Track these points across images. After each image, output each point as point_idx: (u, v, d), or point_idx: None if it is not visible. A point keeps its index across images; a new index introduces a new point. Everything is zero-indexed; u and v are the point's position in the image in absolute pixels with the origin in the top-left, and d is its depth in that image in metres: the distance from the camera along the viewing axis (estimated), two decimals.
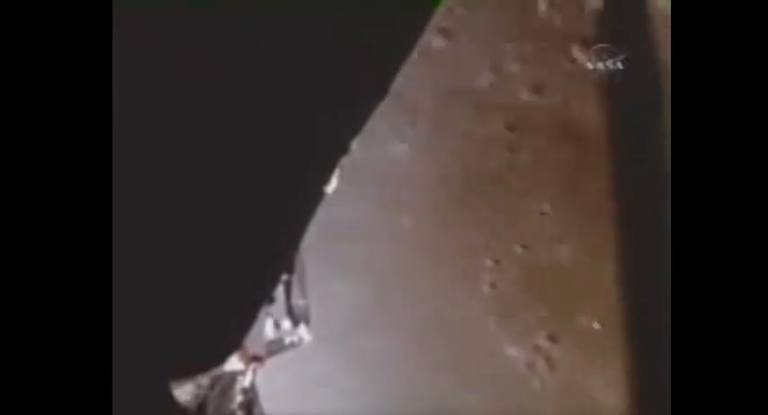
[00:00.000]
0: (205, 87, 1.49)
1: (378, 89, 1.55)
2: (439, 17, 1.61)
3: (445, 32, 1.61)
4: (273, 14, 1.53)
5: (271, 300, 1.46)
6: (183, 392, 1.38)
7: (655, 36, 1.58)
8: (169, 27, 1.48)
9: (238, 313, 1.44)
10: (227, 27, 1.51)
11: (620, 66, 1.56)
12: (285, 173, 1.49)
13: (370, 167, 1.57)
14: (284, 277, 1.47)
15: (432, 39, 1.61)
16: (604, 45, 1.57)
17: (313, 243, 1.51)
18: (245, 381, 1.42)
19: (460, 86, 1.60)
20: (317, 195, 1.51)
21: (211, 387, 1.40)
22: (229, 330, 1.42)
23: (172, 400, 1.37)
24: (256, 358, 1.43)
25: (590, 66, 1.57)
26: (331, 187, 1.52)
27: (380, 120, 1.58)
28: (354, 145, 1.55)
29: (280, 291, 1.47)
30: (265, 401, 1.44)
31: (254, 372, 1.43)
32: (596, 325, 1.49)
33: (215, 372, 1.40)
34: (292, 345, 1.46)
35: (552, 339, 1.49)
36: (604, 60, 1.56)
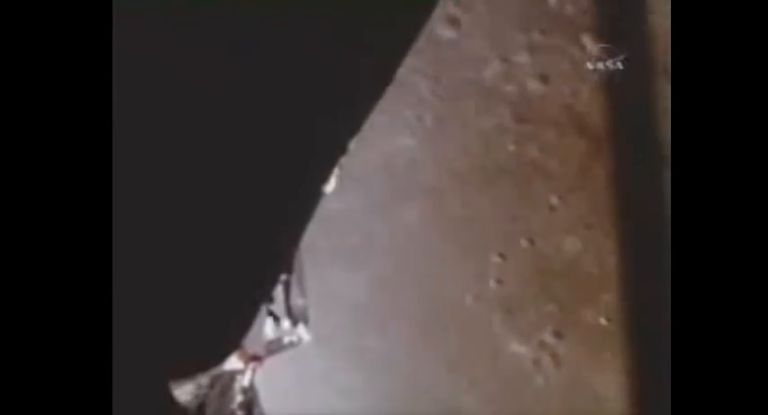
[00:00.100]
0: (205, 87, 1.49)
1: (378, 89, 1.55)
2: (446, 6, 1.58)
3: (453, 21, 1.57)
4: (273, 14, 1.53)
5: (270, 300, 1.46)
6: (183, 392, 1.38)
7: (655, 36, 1.57)
8: (169, 27, 1.48)
9: (238, 313, 1.44)
10: (227, 27, 1.51)
11: (620, 66, 1.56)
12: (285, 173, 1.49)
13: (374, 161, 1.54)
14: (284, 276, 1.47)
15: (439, 29, 1.57)
16: (604, 45, 1.57)
17: (314, 239, 1.50)
18: (245, 380, 1.42)
19: (467, 77, 1.57)
20: (316, 195, 1.51)
21: (211, 387, 1.40)
22: (229, 329, 1.42)
23: (172, 400, 1.37)
24: (256, 358, 1.43)
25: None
26: (330, 187, 1.52)
27: (384, 112, 1.54)
28: (359, 137, 1.52)
29: (279, 291, 1.47)
30: (265, 402, 1.44)
31: (254, 371, 1.43)
32: (603, 321, 1.47)
33: (215, 371, 1.40)
34: (291, 344, 1.46)
35: (558, 335, 1.47)
36: (604, 60, 1.56)
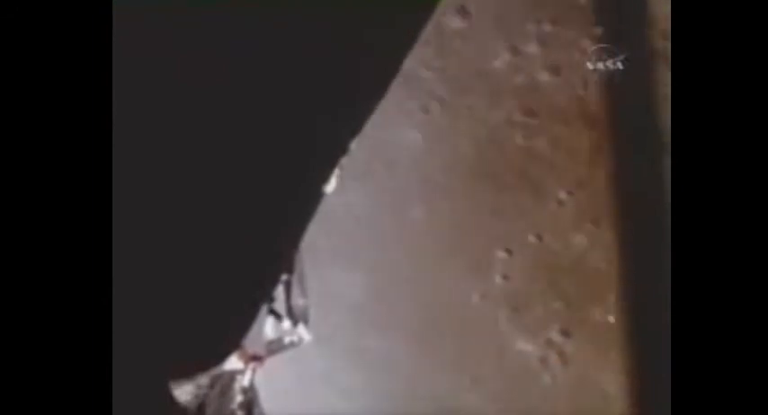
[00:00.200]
0: (205, 87, 1.49)
1: (378, 89, 1.55)
2: None
3: (462, 11, 1.53)
4: (273, 14, 1.52)
5: (271, 300, 1.46)
6: (183, 392, 1.38)
7: (655, 36, 1.57)
8: (169, 27, 1.48)
9: (238, 313, 1.44)
10: (227, 27, 1.51)
11: (620, 66, 1.55)
12: (285, 173, 1.49)
13: (380, 154, 1.51)
14: (284, 277, 1.47)
15: (447, 19, 1.53)
16: (604, 45, 1.57)
17: (315, 238, 1.47)
18: (245, 380, 1.42)
19: (476, 69, 1.52)
20: (316, 195, 1.51)
21: (211, 387, 1.40)
22: (229, 329, 1.42)
23: (172, 400, 1.37)
24: (256, 358, 1.43)
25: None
26: (330, 187, 1.52)
27: (389, 106, 1.50)
28: (362, 132, 1.49)
29: (280, 291, 1.47)
30: (265, 402, 1.44)
31: (254, 371, 1.43)
32: (611, 319, 1.44)
33: (215, 371, 1.40)
34: (292, 344, 1.46)
35: (565, 333, 1.45)
36: (604, 60, 1.56)
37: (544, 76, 1.52)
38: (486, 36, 1.54)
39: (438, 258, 1.49)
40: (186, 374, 1.38)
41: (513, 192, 1.49)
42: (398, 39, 1.57)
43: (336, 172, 1.52)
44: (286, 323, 1.46)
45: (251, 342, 1.43)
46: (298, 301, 1.47)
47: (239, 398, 1.42)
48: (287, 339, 1.46)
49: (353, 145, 1.53)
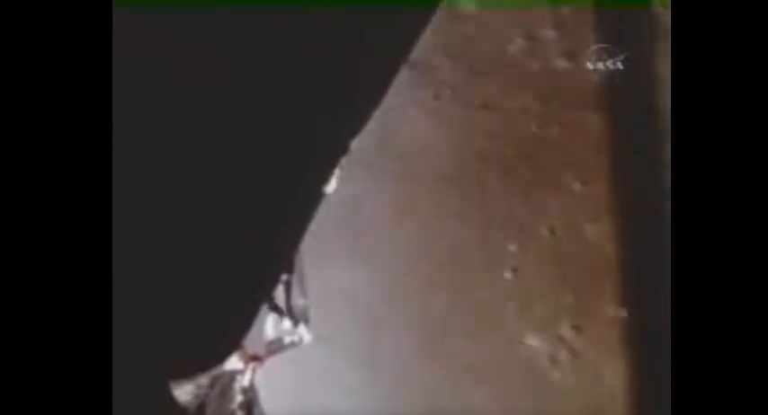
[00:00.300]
0: (205, 87, 1.49)
1: (378, 89, 1.55)
2: None
3: None
4: (273, 14, 1.52)
5: (271, 300, 1.46)
6: (183, 392, 1.38)
7: (655, 36, 1.57)
8: (169, 27, 1.48)
9: (238, 313, 1.44)
10: (227, 27, 1.51)
11: (620, 66, 1.55)
12: (285, 173, 1.49)
13: (388, 145, 1.47)
14: (284, 277, 1.47)
15: (460, 2, 1.49)
16: (604, 45, 1.57)
17: (319, 233, 1.44)
18: (245, 380, 1.42)
19: (490, 55, 1.48)
20: (316, 195, 1.51)
21: (211, 387, 1.40)
22: (229, 329, 1.42)
23: (172, 400, 1.37)
24: (256, 358, 1.43)
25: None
26: (331, 187, 1.51)
27: (399, 94, 1.45)
28: (370, 121, 1.44)
29: (280, 291, 1.47)
30: (265, 402, 1.44)
31: (254, 371, 1.43)
32: (623, 313, 1.40)
33: (215, 371, 1.40)
34: (292, 344, 1.46)
35: (576, 328, 1.40)
36: (604, 60, 1.56)
37: (560, 63, 1.47)
38: (501, 20, 1.49)
39: (446, 252, 1.45)
40: (186, 374, 1.38)
41: (525, 183, 1.45)
42: (398, 39, 1.57)
43: (336, 171, 1.51)
44: (286, 323, 1.46)
45: (251, 342, 1.43)
46: (298, 301, 1.47)
47: (239, 398, 1.42)
48: (287, 339, 1.46)
49: (353, 144, 1.53)
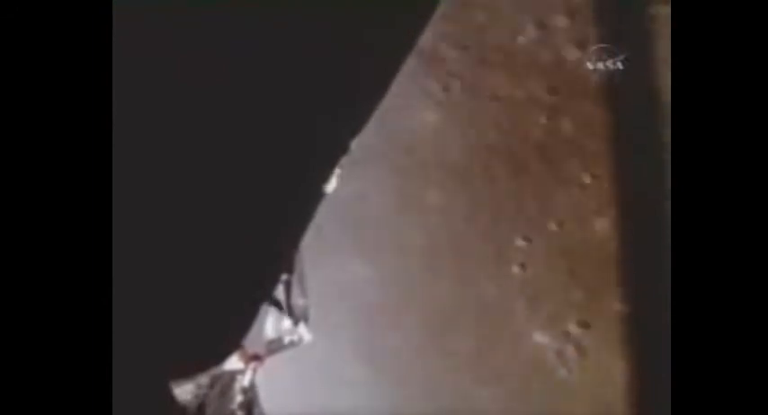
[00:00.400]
0: (205, 87, 1.49)
1: (378, 89, 1.55)
2: None
3: None
4: (273, 14, 1.52)
5: (271, 300, 1.46)
6: (183, 392, 1.38)
7: (655, 36, 1.57)
8: (169, 27, 1.48)
9: (238, 313, 1.44)
10: (227, 27, 1.51)
11: (620, 66, 1.55)
12: (285, 173, 1.49)
13: (395, 137, 1.44)
14: (284, 276, 1.47)
15: None
16: (604, 45, 1.57)
17: (325, 226, 1.41)
18: (245, 380, 1.42)
19: (500, 44, 1.44)
20: (316, 195, 1.51)
21: (211, 386, 1.40)
22: (229, 329, 1.42)
23: (172, 400, 1.37)
24: (256, 358, 1.43)
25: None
26: (331, 187, 1.51)
27: (406, 84, 1.42)
28: (377, 112, 1.41)
29: (280, 291, 1.47)
30: (265, 402, 1.44)
31: (254, 371, 1.43)
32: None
33: (215, 371, 1.40)
34: (292, 344, 1.46)
35: (584, 324, 1.37)
36: (604, 60, 1.56)
37: (573, 52, 1.44)
38: (512, 8, 1.44)
39: (453, 246, 1.42)
40: (186, 373, 1.38)
41: (534, 176, 1.41)
42: (398, 39, 1.57)
43: (336, 171, 1.51)
44: (286, 323, 1.46)
45: (251, 342, 1.43)
46: (298, 301, 1.47)
47: (239, 398, 1.42)
48: (287, 339, 1.46)
49: (353, 144, 1.53)
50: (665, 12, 1.57)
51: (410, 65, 1.43)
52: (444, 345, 1.41)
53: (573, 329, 1.39)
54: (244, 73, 1.51)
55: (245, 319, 1.43)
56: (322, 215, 1.42)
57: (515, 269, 1.41)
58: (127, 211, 1.23)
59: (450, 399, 1.40)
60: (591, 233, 1.41)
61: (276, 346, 1.45)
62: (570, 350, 1.38)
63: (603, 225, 1.41)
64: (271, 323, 1.46)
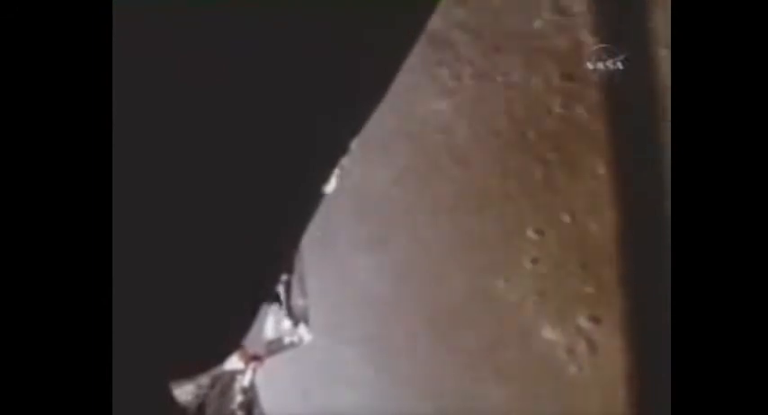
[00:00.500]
0: (205, 87, 1.49)
1: (378, 89, 1.55)
2: None
3: None
4: (273, 14, 1.52)
5: (271, 300, 1.46)
6: (183, 392, 1.38)
7: (655, 36, 1.57)
8: (169, 27, 1.48)
9: (238, 313, 1.44)
10: (227, 27, 1.51)
11: (620, 66, 1.55)
12: (285, 174, 1.49)
13: (405, 126, 1.40)
14: (284, 277, 1.47)
15: None
16: (604, 45, 1.56)
17: (331, 219, 1.38)
18: (245, 380, 1.42)
19: (513, 29, 1.39)
20: (316, 195, 1.51)
21: (211, 387, 1.40)
22: (229, 329, 1.42)
23: (172, 400, 1.37)
24: (256, 358, 1.43)
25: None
26: (331, 187, 1.51)
27: (415, 71, 1.37)
28: (385, 101, 1.35)
29: (280, 291, 1.47)
30: (265, 402, 1.44)
31: (254, 371, 1.43)
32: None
33: (215, 371, 1.40)
34: (292, 345, 1.46)
35: (595, 319, 1.33)
36: (604, 60, 1.56)
37: (589, 37, 1.39)
38: None
39: (462, 239, 1.38)
40: (187, 374, 1.38)
41: (547, 166, 1.37)
42: (398, 39, 1.57)
43: (336, 171, 1.51)
44: (286, 323, 1.46)
45: (251, 342, 1.43)
46: (298, 301, 1.47)
47: (239, 398, 1.42)
48: (287, 340, 1.46)
49: (353, 144, 1.52)
50: (664, 12, 1.57)
51: (420, 51, 1.39)
52: (451, 341, 1.38)
53: (584, 324, 1.35)
54: (244, 73, 1.51)
55: (245, 319, 1.43)
56: (329, 206, 1.39)
57: (527, 263, 1.37)
58: (127, 211, 1.23)
59: (455, 398, 1.37)
60: (605, 225, 1.37)
61: (276, 346, 1.45)
62: (581, 346, 1.34)
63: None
64: (271, 324, 1.46)
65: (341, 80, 1.53)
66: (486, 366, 1.35)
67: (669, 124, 1.51)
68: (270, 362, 1.44)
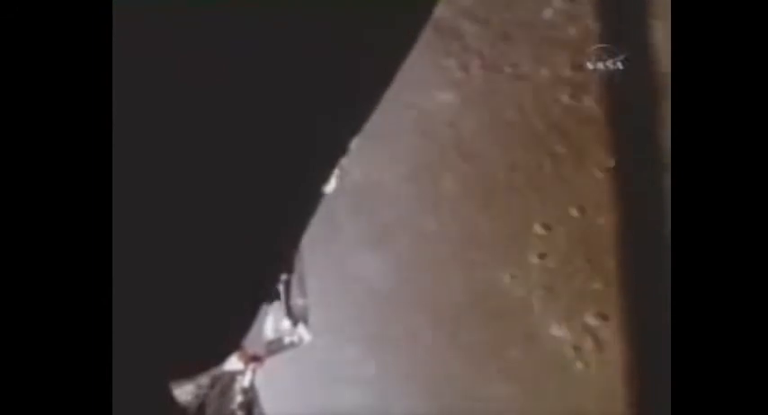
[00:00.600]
0: (205, 87, 1.49)
1: (378, 89, 1.55)
2: None
3: None
4: (273, 14, 1.52)
5: (270, 300, 1.46)
6: (183, 392, 1.38)
7: (655, 36, 1.56)
8: (169, 27, 1.48)
9: (238, 313, 1.44)
10: (227, 27, 1.51)
11: (620, 66, 1.55)
12: (285, 173, 1.49)
13: (411, 119, 1.37)
14: (284, 276, 1.47)
15: None
16: (604, 45, 1.56)
17: (337, 214, 1.35)
18: (245, 381, 1.42)
19: (522, 19, 1.36)
20: (316, 195, 1.51)
21: (211, 387, 1.40)
22: (229, 329, 1.42)
23: (172, 400, 1.37)
24: (256, 358, 1.43)
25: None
26: (330, 187, 1.51)
27: (421, 63, 1.34)
28: (390, 93, 1.32)
29: (279, 291, 1.47)
30: (265, 402, 1.44)
31: (254, 372, 1.43)
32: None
33: (215, 372, 1.40)
34: (292, 345, 1.46)
35: (602, 316, 1.30)
36: (604, 60, 1.56)
37: (599, 26, 1.36)
38: None
39: (468, 234, 1.36)
40: (186, 374, 1.38)
41: (555, 159, 1.34)
42: (398, 39, 1.56)
43: (336, 172, 1.51)
44: (286, 323, 1.46)
45: (251, 342, 1.43)
46: (297, 301, 1.47)
47: (239, 398, 1.42)
48: (287, 340, 1.46)
49: (353, 144, 1.52)
50: (665, 11, 1.57)
51: (427, 41, 1.35)
52: (455, 339, 1.36)
53: (591, 320, 1.32)
54: (244, 73, 1.51)
55: (245, 319, 1.43)
56: (333, 200, 1.36)
57: (534, 259, 1.34)
58: (127, 211, 1.23)
59: (459, 398, 1.35)
60: (614, 220, 1.34)
61: (276, 346, 1.45)
62: (588, 343, 1.31)
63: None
64: (270, 324, 1.46)
65: (341, 80, 1.53)
66: (492, 364, 1.32)
67: (669, 124, 1.51)
68: (270, 362, 1.44)
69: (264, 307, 1.45)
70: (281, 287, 1.46)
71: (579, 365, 1.31)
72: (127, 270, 1.19)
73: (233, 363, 1.41)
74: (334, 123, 1.52)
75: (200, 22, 1.50)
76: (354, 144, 1.52)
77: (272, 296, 1.46)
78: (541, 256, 1.34)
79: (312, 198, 1.50)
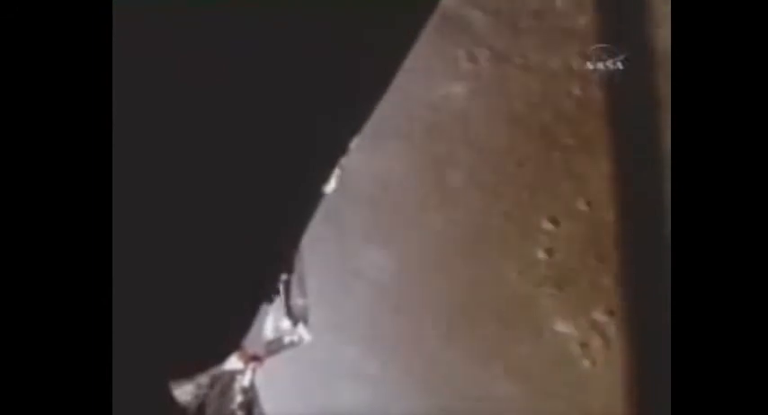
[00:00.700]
0: (205, 87, 1.49)
1: (378, 89, 1.55)
2: None
3: None
4: (273, 14, 1.52)
5: (270, 300, 1.46)
6: (183, 392, 1.38)
7: (655, 36, 1.56)
8: (169, 27, 1.48)
9: (238, 313, 1.44)
10: (227, 27, 1.51)
11: (620, 66, 1.55)
12: (285, 173, 1.49)
13: (418, 112, 1.33)
14: (284, 276, 1.47)
15: None
16: (604, 45, 1.56)
17: (341, 209, 1.32)
18: (245, 380, 1.42)
19: (532, 9, 1.33)
20: (316, 195, 1.51)
21: (211, 387, 1.40)
22: (229, 329, 1.42)
23: (172, 400, 1.37)
24: (256, 358, 1.43)
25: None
26: (330, 187, 1.51)
27: (429, 54, 1.30)
28: (395, 86, 1.29)
29: (279, 291, 1.47)
30: (265, 402, 1.44)
31: (254, 371, 1.43)
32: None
33: (215, 371, 1.40)
34: (292, 344, 1.46)
35: (610, 313, 1.28)
36: (604, 60, 1.56)
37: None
38: None
39: (474, 229, 1.33)
40: (186, 374, 1.38)
41: (563, 152, 1.31)
42: (398, 39, 1.56)
43: (336, 171, 1.51)
44: (286, 323, 1.46)
45: (251, 342, 1.43)
46: (297, 301, 1.47)
47: (239, 398, 1.42)
48: (286, 340, 1.46)
49: (353, 144, 1.52)
50: (665, 11, 1.57)
51: (434, 31, 1.32)
52: (459, 336, 1.33)
53: (599, 317, 1.30)
54: (244, 73, 1.51)
55: (245, 319, 1.43)
56: (337, 195, 1.34)
57: (541, 254, 1.32)
58: (127, 211, 1.23)
59: (462, 397, 1.33)
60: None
61: (276, 346, 1.45)
62: (595, 340, 1.29)
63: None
64: (270, 324, 1.46)
65: (341, 80, 1.53)
66: (497, 362, 1.30)
67: (669, 124, 1.51)
68: (270, 362, 1.44)
69: (264, 307, 1.45)
70: (281, 287, 1.46)
71: (586, 362, 1.30)
72: (127, 270, 1.19)
73: (233, 363, 1.41)
74: (334, 123, 1.52)
75: (200, 22, 1.50)
76: (355, 142, 1.52)
77: (272, 296, 1.46)
78: (549, 251, 1.32)
79: (312, 198, 1.50)
